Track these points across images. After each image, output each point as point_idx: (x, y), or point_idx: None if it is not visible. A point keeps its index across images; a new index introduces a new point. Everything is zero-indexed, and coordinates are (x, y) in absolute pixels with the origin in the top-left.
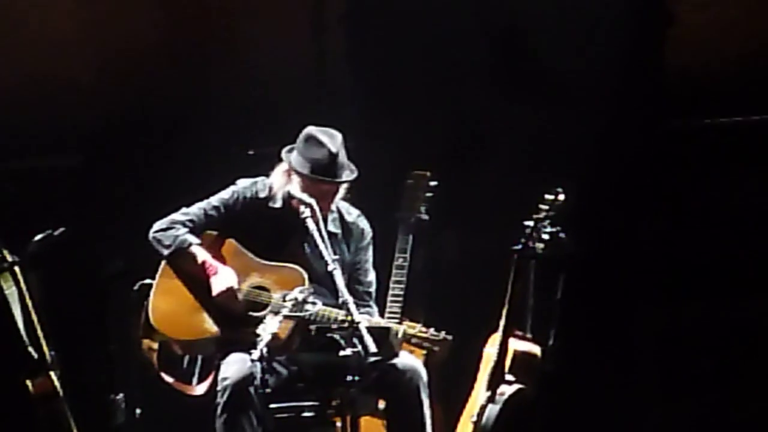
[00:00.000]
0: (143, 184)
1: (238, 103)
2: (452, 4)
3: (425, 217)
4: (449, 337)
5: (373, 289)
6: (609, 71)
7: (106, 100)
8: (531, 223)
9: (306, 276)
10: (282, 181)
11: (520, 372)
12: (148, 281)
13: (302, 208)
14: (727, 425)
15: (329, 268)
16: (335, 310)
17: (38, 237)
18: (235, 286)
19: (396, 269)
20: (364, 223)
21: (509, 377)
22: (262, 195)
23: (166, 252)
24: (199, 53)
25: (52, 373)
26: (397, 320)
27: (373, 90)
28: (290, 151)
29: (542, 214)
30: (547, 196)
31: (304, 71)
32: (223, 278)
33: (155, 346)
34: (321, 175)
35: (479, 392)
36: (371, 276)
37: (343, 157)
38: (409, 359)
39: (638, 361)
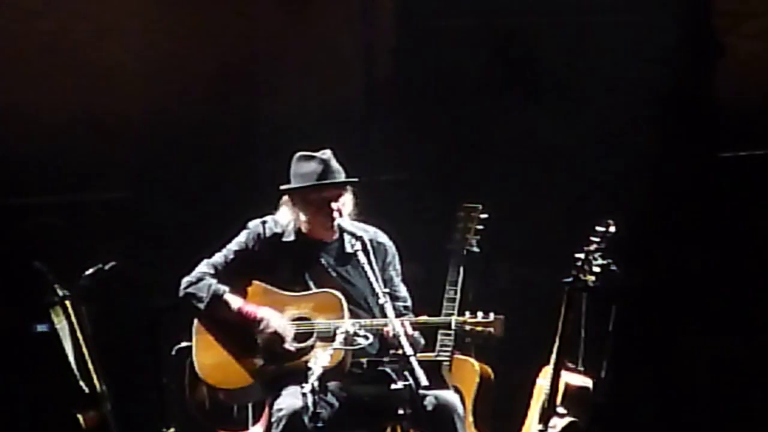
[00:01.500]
0: (193, 218)
1: (286, 140)
2: (500, 37)
3: (476, 249)
4: (501, 317)
5: (409, 302)
6: (661, 103)
7: (157, 135)
8: (582, 256)
9: (343, 298)
10: (290, 215)
11: (572, 405)
12: (185, 344)
13: (353, 241)
14: None
15: (380, 301)
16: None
17: (89, 271)
18: (280, 327)
19: (447, 302)
20: (383, 238)
21: (561, 410)
22: (274, 231)
23: (202, 306)
24: (248, 91)
25: (102, 407)
26: (448, 353)
27: (423, 123)
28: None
29: (593, 246)
30: (598, 228)
31: (354, 105)
32: (267, 322)
33: (204, 403)
34: (317, 182)
35: (531, 425)
36: (403, 290)
37: (336, 164)
38: (445, 393)
39: (691, 393)
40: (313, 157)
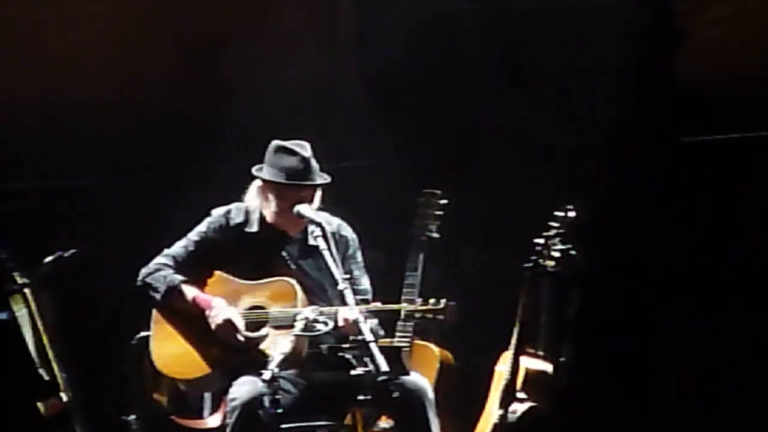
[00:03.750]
0: (157, 205)
1: (255, 126)
2: (466, 20)
3: (436, 235)
4: (452, 303)
5: (370, 295)
6: (622, 87)
7: (123, 122)
8: (542, 241)
9: (297, 286)
10: (257, 203)
11: (532, 390)
12: (144, 333)
13: (312, 227)
14: None
15: (339, 287)
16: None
17: (48, 259)
18: (233, 317)
19: (406, 288)
20: (346, 231)
21: (521, 395)
22: (237, 221)
23: (158, 296)
24: (215, 77)
25: (63, 395)
26: (408, 338)
27: (383, 108)
28: (260, 169)
29: (553, 232)
30: (558, 214)
31: (317, 90)
32: (218, 312)
33: (164, 392)
34: (297, 180)
35: (491, 410)
36: (365, 282)
37: (315, 163)
38: (415, 378)
39: (651, 377)
40: (294, 153)
